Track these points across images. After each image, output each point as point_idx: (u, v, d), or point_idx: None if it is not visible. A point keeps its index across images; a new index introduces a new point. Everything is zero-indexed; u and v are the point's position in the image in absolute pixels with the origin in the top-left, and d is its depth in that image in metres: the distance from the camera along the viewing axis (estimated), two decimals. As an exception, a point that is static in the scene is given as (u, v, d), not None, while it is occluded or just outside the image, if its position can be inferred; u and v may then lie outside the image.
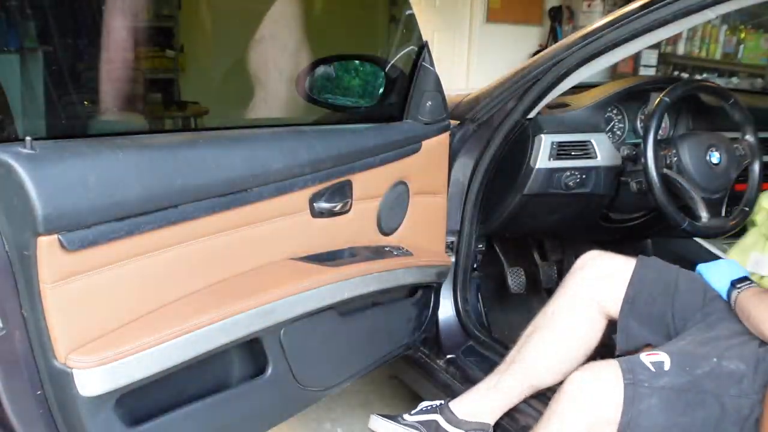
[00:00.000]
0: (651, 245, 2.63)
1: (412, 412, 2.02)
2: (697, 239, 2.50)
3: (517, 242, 2.79)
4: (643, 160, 2.09)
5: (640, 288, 1.87)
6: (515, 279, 2.69)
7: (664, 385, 1.60)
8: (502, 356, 2.12)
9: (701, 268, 1.90)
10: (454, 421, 1.94)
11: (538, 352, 1.94)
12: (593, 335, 1.93)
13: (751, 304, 1.70)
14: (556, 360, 1.91)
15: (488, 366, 2.15)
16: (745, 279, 1.79)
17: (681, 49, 5.85)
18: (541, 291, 2.85)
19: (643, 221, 2.48)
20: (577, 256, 2.75)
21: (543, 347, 1.94)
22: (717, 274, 1.85)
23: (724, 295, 1.79)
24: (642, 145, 2.09)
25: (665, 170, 2.11)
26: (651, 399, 1.58)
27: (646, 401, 1.59)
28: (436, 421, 1.95)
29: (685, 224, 2.10)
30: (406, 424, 1.97)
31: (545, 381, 1.93)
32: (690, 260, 2.49)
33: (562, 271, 2.83)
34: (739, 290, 1.75)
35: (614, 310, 1.90)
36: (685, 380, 1.60)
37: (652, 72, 5.73)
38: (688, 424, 1.59)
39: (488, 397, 1.96)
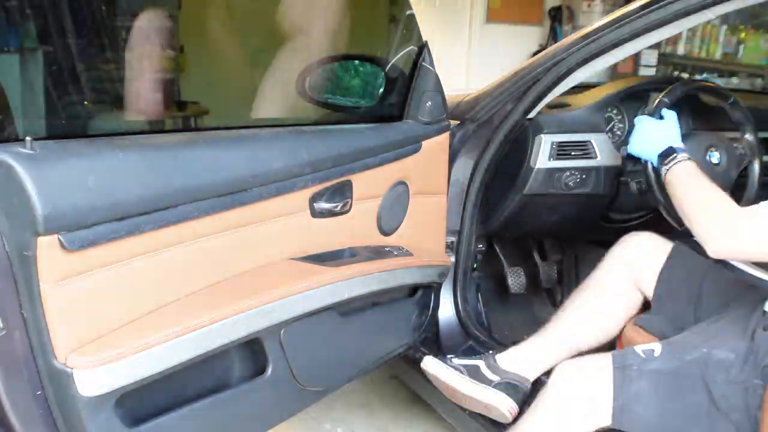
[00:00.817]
0: (651, 245, 2.63)
1: (459, 356, 2.10)
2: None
3: (517, 242, 2.78)
4: (643, 160, 2.09)
5: (668, 287, 1.98)
6: (515, 279, 2.69)
7: (653, 368, 1.65)
8: None
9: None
10: (493, 368, 2.00)
11: (578, 315, 2.03)
12: (631, 305, 2.03)
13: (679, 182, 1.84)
14: (596, 323, 2.01)
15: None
16: (671, 152, 1.88)
17: (681, 49, 5.85)
18: (541, 291, 2.85)
19: (643, 221, 2.47)
20: (577, 257, 2.76)
21: (583, 311, 2.03)
22: (647, 140, 2.00)
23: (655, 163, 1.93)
24: None
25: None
26: (640, 381, 1.63)
27: (636, 384, 1.63)
28: (477, 366, 2.01)
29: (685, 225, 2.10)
30: (452, 366, 2.03)
31: (585, 343, 2.00)
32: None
33: (562, 271, 2.84)
34: (667, 168, 1.86)
35: (648, 292, 2.02)
36: (673, 365, 1.65)
37: (652, 72, 5.73)
38: (680, 411, 1.63)
39: (531, 356, 2.02)
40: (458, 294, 2.32)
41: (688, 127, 2.39)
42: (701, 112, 2.38)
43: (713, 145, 2.17)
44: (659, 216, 2.27)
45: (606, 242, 2.65)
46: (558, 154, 2.20)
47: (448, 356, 2.09)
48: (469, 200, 2.26)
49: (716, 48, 5.60)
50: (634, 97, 2.36)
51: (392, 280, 1.92)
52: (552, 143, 2.18)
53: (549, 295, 2.89)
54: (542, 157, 2.18)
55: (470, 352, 2.25)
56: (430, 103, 1.97)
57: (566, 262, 2.83)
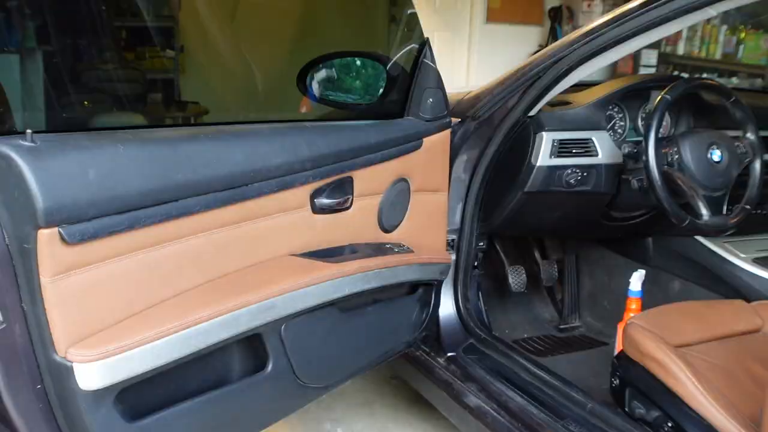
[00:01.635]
0: (652, 244, 2.62)
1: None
2: (698, 237, 2.50)
3: (518, 241, 2.78)
4: (644, 157, 2.08)
5: None
6: (516, 277, 2.69)
7: None
8: (504, 354, 2.13)
9: None
10: None
11: None
12: None
13: None
14: None
15: (489, 364, 2.15)
16: None
17: (681, 49, 5.85)
18: (542, 289, 2.85)
19: (644, 220, 2.47)
20: (577, 255, 2.76)
21: None
22: None
23: None
24: (643, 143, 2.09)
25: (666, 168, 2.11)
26: None
27: None
28: None
29: (687, 222, 2.09)
30: None
31: None
32: (691, 259, 2.50)
33: (563, 270, 2.83)
34: None
35: None
36: None
37: (652, 72, 5.73)
38: None
39: None
40: (459, 292, 2.31)
41: (688, 125, 2.39)
42: (702, 111, 2.39)
43: (714, 143, 2.16)
44: (660, 214, 2.28)
45: (607, 241, 2.65)
46: (559, 152, 2.19)
47: None
48: (470, 198, 2.25)
49: (716, 48, 5.59)
50: (635, 96, 2.37)
51: (393, 277, 1.91)
52: (553, 141, 2.18)
53: (549, 294, 2.88)
54: (543, 154, 2.17)
55: (470, 351, 2.25)
56: (431, 100, 1.96)
57: (567, 261, 2.83)
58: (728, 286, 2.42)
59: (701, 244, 2.50)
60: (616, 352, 2.12)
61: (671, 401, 1.86)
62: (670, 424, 1.85)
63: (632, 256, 2.69)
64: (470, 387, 2.13)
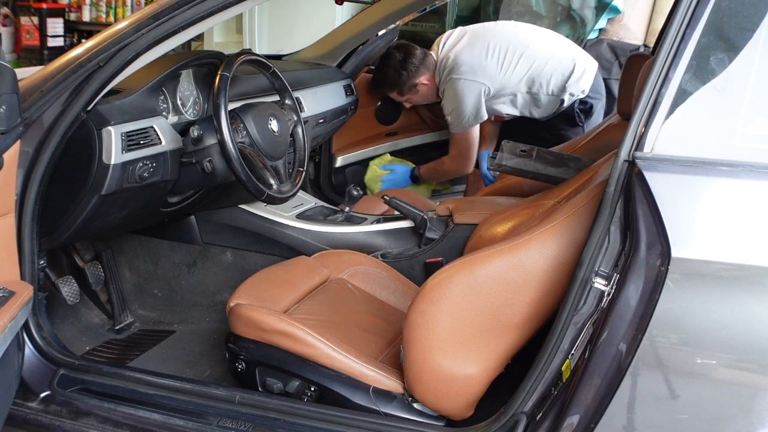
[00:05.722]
0: (196, 221, 2.60)
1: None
2: (242, 206, 2.58)
3: (51, 251, 2.45)
4: (219, 137, 2.05)
5: None
6: (69, 288, 2.40)
7: None
8: (110, 374, 1.96)
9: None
10: None
11: None
12: None
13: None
14: None
15: (98, 389, 1.94)
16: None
17: (87, 16, 5.66)
18: (94, 293, 2.61)
19: (194, 200, 2.43)
20: (112, 249, 2.60)
21: None
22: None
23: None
24: (215, 123, 2.05)
25: (240, 144, 2.11)
26: None
27: None
28: None
29: (266, 195, 2.14)
30: None
31: None
32: (239, 227, 2.57)
33: (104, 268, 2.63)
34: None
35: None
36: None
37: (60, 41, 5.42)
38: None
39: None
40: (30, 322, 1.98)
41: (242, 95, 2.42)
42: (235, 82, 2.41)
43: (271, 113, 2.23)
44: (206, 192, 2.35)
45: (153, 228, 2.55)
46: (129, 146, 1.99)
47: None
48: (26, 214, 1.91)
49: (124, 12, 5.56)
50: (169, 77, 2.26)
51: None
52: (121, 134, 1.97)
53: (92, 297, 2.65)
54: (115, 151, 1.95)
55: (67, 383, 1.97)
56: (4, 108, 1.60)
57: (105, 258, 2.63)
58: (281, 245, 2.56)
59: (246, 211, 2.58)
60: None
61: (306, 366, 1.93)
62: (313, 388, 1.92)
63: (178, 237, 2.63)
64: (88, 422, 1.90)
